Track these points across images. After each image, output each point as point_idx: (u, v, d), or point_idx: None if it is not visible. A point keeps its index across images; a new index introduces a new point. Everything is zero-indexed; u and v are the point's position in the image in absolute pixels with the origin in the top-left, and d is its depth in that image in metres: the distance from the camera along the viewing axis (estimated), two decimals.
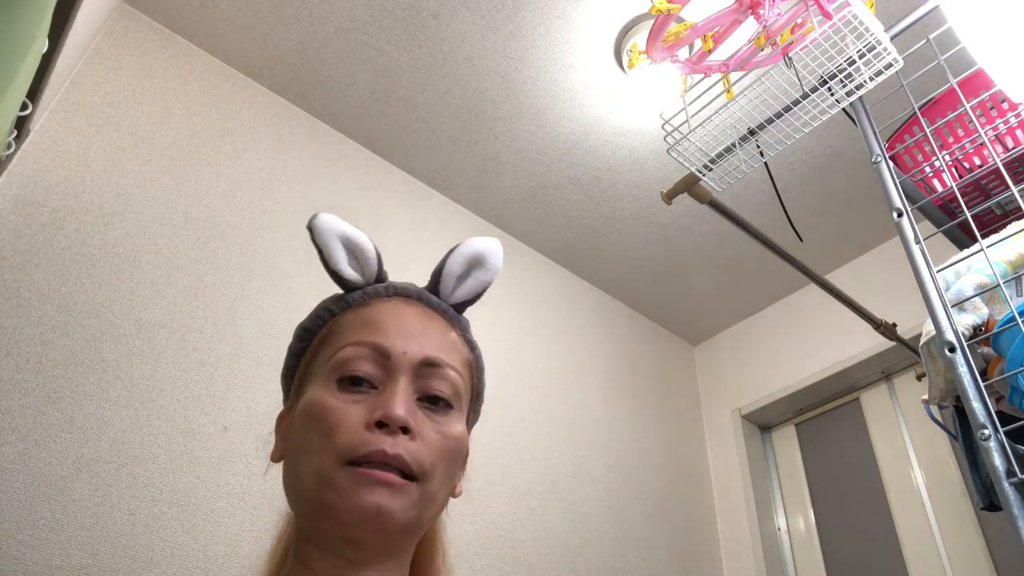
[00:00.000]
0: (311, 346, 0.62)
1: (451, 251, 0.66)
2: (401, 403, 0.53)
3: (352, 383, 0.55)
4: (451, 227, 2.21)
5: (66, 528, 1.17)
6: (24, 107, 1.01)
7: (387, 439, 0.51)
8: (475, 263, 0.66)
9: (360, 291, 0.63)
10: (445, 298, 0.65)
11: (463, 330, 0.65)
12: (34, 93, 1.04)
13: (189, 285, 1.53)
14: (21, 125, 1.14)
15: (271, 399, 1.52)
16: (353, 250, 0.63)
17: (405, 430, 0.52)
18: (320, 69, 1.90)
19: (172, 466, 1.32)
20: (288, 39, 1.83)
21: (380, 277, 0.64)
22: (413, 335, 0.58)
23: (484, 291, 0.67)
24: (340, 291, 0.64)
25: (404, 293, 0.64)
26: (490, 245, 0.67)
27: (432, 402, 0.57)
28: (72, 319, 1.34)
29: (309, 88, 1.95)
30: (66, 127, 1.51)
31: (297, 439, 0.55)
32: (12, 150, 1.16)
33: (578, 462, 2.07)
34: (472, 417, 0.67)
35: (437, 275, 0.66)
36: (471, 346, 0.66)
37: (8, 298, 1.29)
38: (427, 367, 0.57)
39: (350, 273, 0.63)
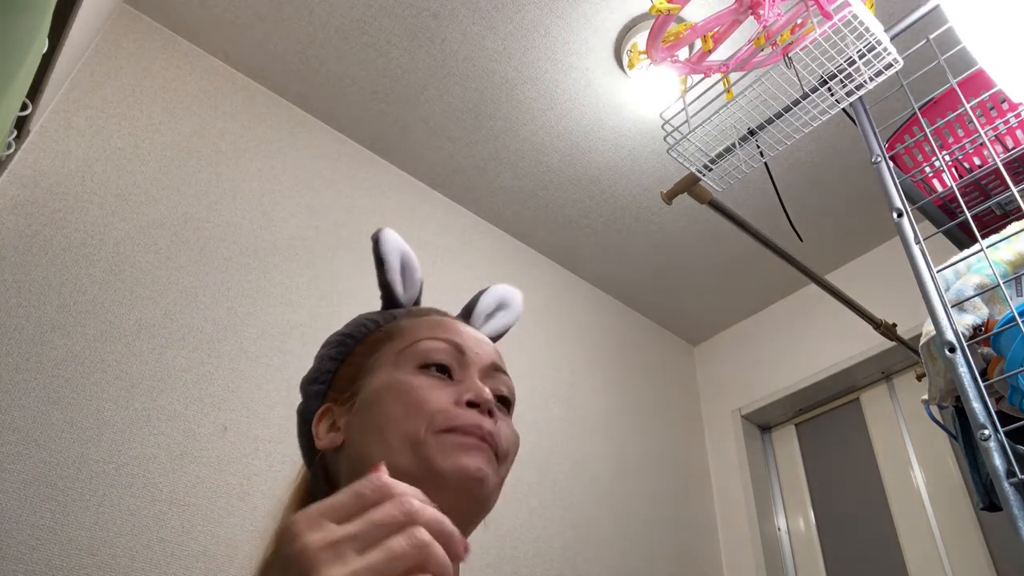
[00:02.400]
0: (359, 347, 0.64)
1: (483, 291, 0.73)
2: (487, 389, 0.57)
3: (433, 371, 0.58)
4: (451, 227, 2.21)
5: (66, 528, 1.17)
6: (24, 107, 1.01)
7: (481, 416, 0.55)
8: (502, 305, 0.74)
9: (406, 308, 0.68)
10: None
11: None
12: (34, 93, 1.04)
13: (189, 285, 1.53)
14: (21, 125, 1.14)
15: (271, 399, 1.52)
16: (407, 270, 0.69)
17: (491, 414, 0.56)
18: (320, 69, 1.90)
19: (172, 466, 1.32)
20: (288, 39, 1.83)
21: (418, 302, 0.70)
22: (478, 341, 0.63)
23: (505, 333, 0.74)
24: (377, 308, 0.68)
25: (449, 315, 0.68)
26: (516, 293, 0.75)
27: (500, 402, 0.61)
28: (72, 319, 1.34)
29: (309, 88, 1.95)
30: (66, 127, 1.51)
31: (374, 415, 0.56)
32: (12, 150, 1.16)
33: (578, 462, 2.07)
34: None
35: (469, 310, 0.72)
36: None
37: (8, 298, 1.29)
38: (494, 370, 0.61)
39: (399, 290, 0.68)
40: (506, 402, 0.61)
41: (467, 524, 0.54)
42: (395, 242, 0.67)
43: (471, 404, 0.55)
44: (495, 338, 0.72)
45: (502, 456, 0.55)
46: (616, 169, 2.14)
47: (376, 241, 0.67)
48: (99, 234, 1.46)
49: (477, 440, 0.53)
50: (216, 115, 1.80)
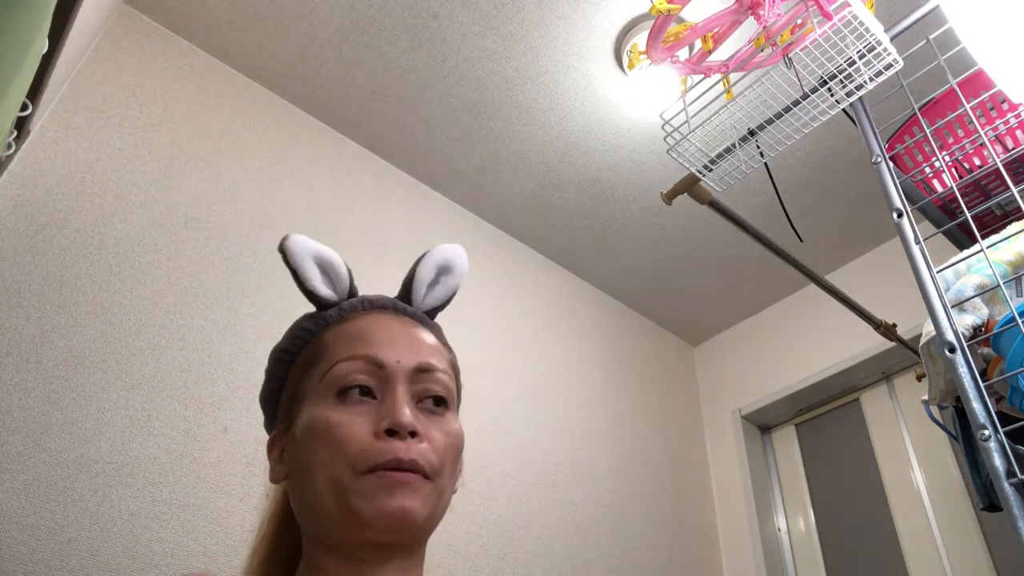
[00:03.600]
0: (294, 368, 0.63)
1: (419, 260, 0.69)
2: (406, 409, 0.55)
3: (351, 395, 0.56)
4: (451, 227, 2.21)
5: (66, 529, 1.17)
6: (24, 107, 1.01)
7: (399, 445, 0.53)
8: (443, 269, 0.69)
9: (336, 307, 0.64)
10: (417, 305, 0.67)
11: (440, 334, 0.68)
12: (34, 93, 1.04)
13: (189, 285, 1.53)
14: (21, 125, 1.14)
15: None
16: (326, 268, 0.65)
17: (413, 434, 0.55)
18: (320, 69, 1.90)
19: (172, 466, 1.32)
20: (288, 39, 1.83)
21: (352, 293, 0.66)
22: (401, 344, 0.60)
23: (453, 296, 0.70)
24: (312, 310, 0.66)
25: (380, 305, 0.65)
26: (456, 250, 0.70)
27: (431, 404, 0.59)
28: (72, 319, 1.34)
29: (309, 88, 1.95)
30: (66, 127, 1.51)
31: (304, 457, 0.56)
32: (12, 150, 1.16)
33: (578, 463, 2.07)
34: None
35: (408, 284, 0.68)
36: (448, 348, 0.68)
37: (8, 298, 1.28)
38: (421, 372, 0.59)
39: (325, 291, 0.64)
40: (440, 400, 0.59)
41: (406, 546, 0.55)
42: (304, 246, 0.64)
43: (390, 432, 0.54)
44: (443, 304, 0.69)
45: (435, 471, 0.55)
46: (616, 169, 2.14)
47: (283, 252, 0.64)
48: (99, 234, 1.46)
49: (398, 475, 0.52)
50: (216, 115, 1.80)
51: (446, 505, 0.58)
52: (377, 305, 0.65)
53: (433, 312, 0.69)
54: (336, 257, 0.66)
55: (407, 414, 0.54)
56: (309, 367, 0.61)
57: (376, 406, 0.56)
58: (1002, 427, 0.79)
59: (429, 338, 0.64)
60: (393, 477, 0.52)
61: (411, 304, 0.67)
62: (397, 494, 0.52)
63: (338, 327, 0.62)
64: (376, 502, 0.51)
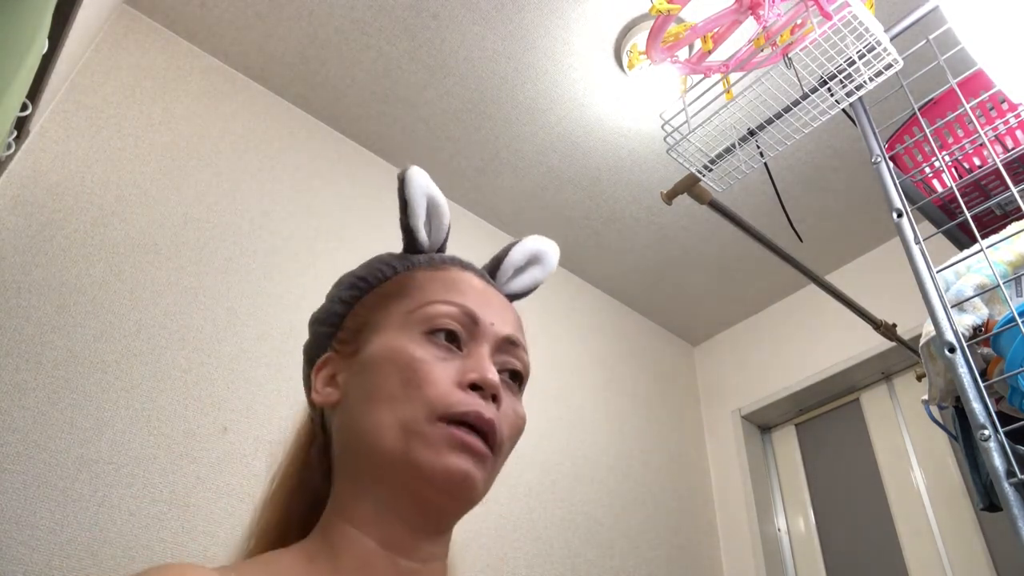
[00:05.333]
0: (369, 296, 0.59)
1: (513, 243, 0.67)
2: (494, 370, 0.52)
3: (441, 338, 0.53)
4: (451, 227, 2.21)
5: (66, 529, 1.17)
6: (24, 107, 1.01)
7: (482, 402, 0.50)
8: (535, 259, 0.67)
9: (426, 255, 0.62)
10: (499, 286, 0.65)
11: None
12: (34, 94, 1.04)
13: (189, 285, 1.53)
14: (21, 125, 1.14)
15: (271, 400, 1.52)
16: (433, 212, 0.63)
17: (495, 398, 0.52)
18: (320, 70, 1.90)
19: (172, 467, 1.32)
20: (288, 40, 1.83)
21: (443, 248, 0.64)
22: (496, 309, 0.57)
23: (534, 289, 0.68)
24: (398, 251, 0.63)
25: (471, 268, 0.62)
26: (552, 245, 0.68)
27: (507, 377, 0.56)
28: (72, 319, 1.34)
29: (309, 88, 1.95)
30: (66, 127, 1.51)
31: (371, 384, 0.52)
32: (12, 150, 1.16)
33: (578, 463, 2.07)
34: None
35: (498, 262, 0.66)
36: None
37: (8, 298, 1.29)
38: (509, 344, 0.56)
39: (423, 235, 0.62)
40: (518, 377, 0.57)
41: (449, 517, 0.52)
42: (422, 184, 0.61)
43: (474, 387, 0.50)
44: (524, 293, 0.67)
45: (498, 445, 0.51)
46: (616, 169, 2.14)
47: (402, 181, 0.61)
48: (99, 234, 1.46)
49: (472, 438, 0.49)
50: (216, 115, 1.80)
51: (486, 492, 0.54)
52: (468, 267, 0.62)
53: (511, 299, 0.66)
54: (445, 206, 0.63)
55: (495, 373, 0.51)
56: (392, 299, 0.57)
57: (462, 358, 0.53)
58: (1002, 427, 0.79)
59: (517, 315, 0.61)
60: (468, 439, 0.49)
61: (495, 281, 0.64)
62: (466, 457, 0.48)
63: (429, 271, 0.59)
64: (443, 457, 0.48)
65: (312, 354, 0.61)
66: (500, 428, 0.51)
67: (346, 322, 0.59)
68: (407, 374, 0.51)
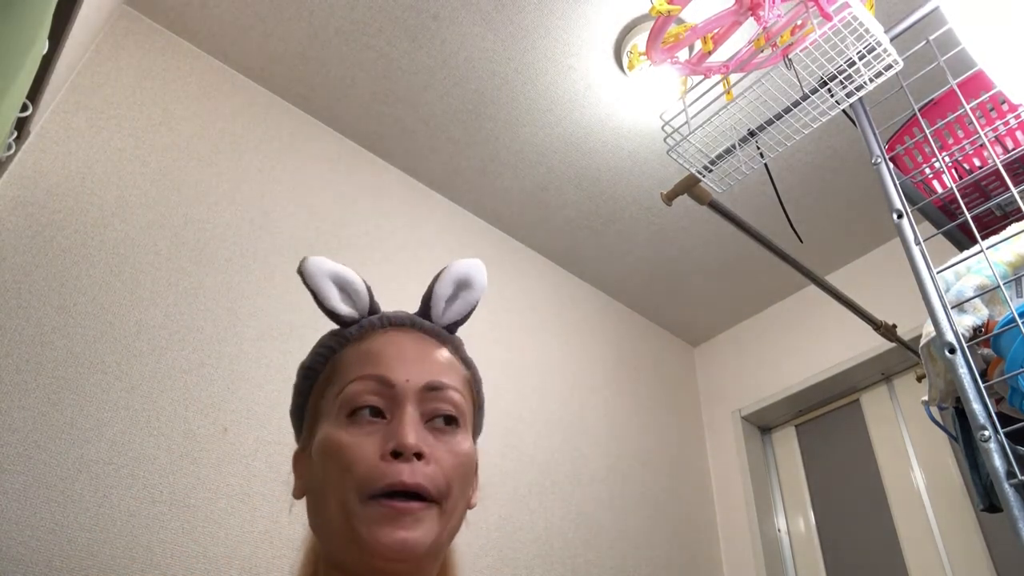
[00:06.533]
0: (316, 384, 0.64)
1: (438, 276, 0.70)
2: (411, 431, 0.55)
3: (362, 416, 0.57)
4: (451, 228, 2.21)
5: (66, 529, 1.17)
6: (24, 108, 1.01)
7: (404, 468, 0.54)
8: (462, 285, 0.70)
9: (356, 325, 0.65)
10: (437, 320, 0.68)
11: (457, 349, 0.68)
12: (34, 94, 1.04)
13: (189, 286, 1.53)
14: (21, 126, 1.14)
15: (271, 400, 1.52)
16: (345, 287, 0.66)
17: (419, 456, 0.55)
18: (320, 70, 1.90)
19: (172, 467, 1.32)
20: (288, 40, 1.83)
21: (373, 309, 0.67)
22: (413, 362, 0.61)
23: (472, 311, 0.70)
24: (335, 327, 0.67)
25: (398, 323, 0.66)
26: (475, 265, 0.71)
27: (441, 423, 0.59)
28: (72, 320, 1.34)
29: (309, 89, 1.95)
30: (66, 128, 1.51)
31: (318, 476, 0.57)
32: (12, 151, 1.16)
33: (578, 463, 2.07)
34: (476, 430, 0.69)
35: (427, 300, 0.69)
36: (467, 364, 0.68)
37: (8, 299, 1.29)
38: (430, 391, 0.59)
39: (345, 310, 0.65)
40: (450, 419, 0.60)
41: (422, 570, 0.56)
42: (321, 267, 0.65)
43: (396, 453, 0.54)
44: (463, 319, 0.70)
45: (441, 494, 0.55)
46: (616, 170, 2.14)
47: (302, 274, 0.65)
48: (99, 235, 1.46)
49: (403, 503, 0.53)
50: (216, 116, 1.80)
51: (457, 525, 0.58)
52: (395, 322, 0.66)
53: (453, 327, 0.69)
54: (353, 275, 0.67)
55: (412, 436, 0.55)
56: (327, 385, 0.62)
57: (385, 426, 0.57)
58: (1002, 428, 0.79)
59: (443, 355, 0.64)
60: (396, 507, 0.52)
61: (430, 320, 0.67)
62: (399, 524, 0.52)
63: (356, 345, 0.63)
64: (377, 533, 0.52)
65: (298, 443, 0.67)
66: (433, 480, 0.55)
67: (306, 414, 0.65)
68: (337, 461, 0.55)
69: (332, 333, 0.66)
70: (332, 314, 0.65)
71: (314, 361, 0.65)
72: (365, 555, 0.52)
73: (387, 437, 0.55)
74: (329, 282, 0.65)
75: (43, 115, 1.46)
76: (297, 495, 0.62)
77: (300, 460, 0.63)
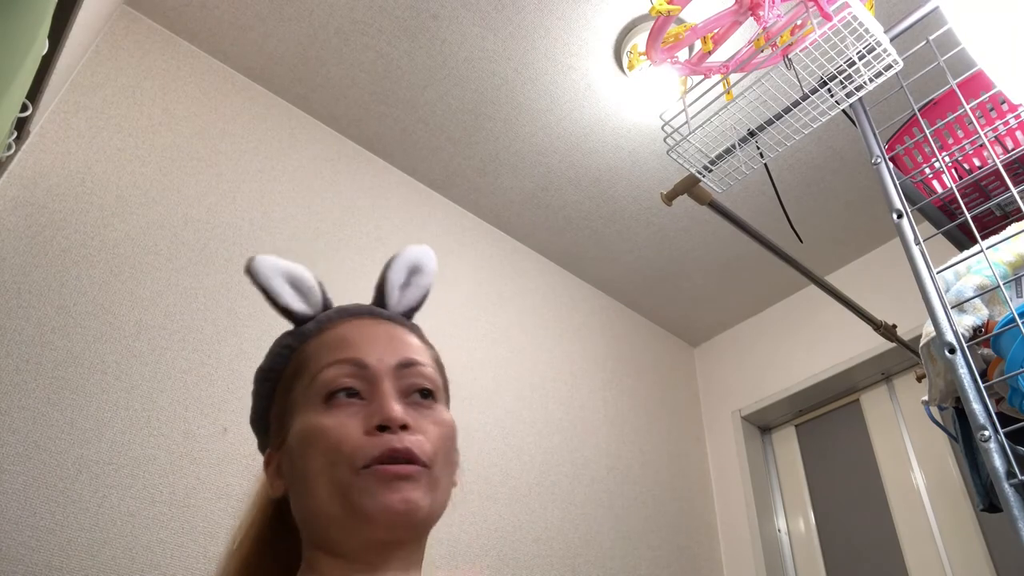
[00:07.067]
0: (280, 385, 0.63)
1: (388, 263, 0.70)
2: (394, 404, 0.56)
3: (339, 399, 0.57)
4: (451, 228, 2.21)
5: (66, 529, 1.17)
6: (24, 108, 1.01)
7: (392, 437, 0.54)
8: (414, 270, 0.70)
9: (313, 320, 0.65)
10: (392, 308, 0.68)
11: (420, 334, 0.68)
12: (34, 94, 1.04)
13: (189, 286, 1.53)
14: (21, 126, 1.14)
15: None
16: (296, 284, 0.65)
17: (405, 427, 0.55)
18: (320, 70, 1.90)
19: (172, 467, 1.32)
20: (288, 40, 1.83)
21: (326, 304, 0.67)
22: (382, 343, 0.61)
23: (426, 296, 0.71)
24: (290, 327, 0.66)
25: (356, 313, 0.66)
26: (423, 250, 0.71)
27: (418, 397, 0.60)
28: (72, 320, 1.34)
29: (309, 89, 1.95)
30: (66, 128, 1.51)
31: (301, 467, 0.56)
32: (12, 151, 1.16)
33: (578, 463, 2.07)
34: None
35: (381, 288, 0.69)
36: (430, 346, 0.68)
37: (8, 299, 1.29)
38: (404, 368, 0.60)
39: (299, 306, 0.65)
40: (427, 392, 0.60)
41: (408, 543, 0.55)
42: (269, 266, 0.64)
43: (382, 428, 0.54)
44: (418, 305, 0.70)
45: (430, 459, 0.55)
46: (616, 170, 2.14)
47: (250, 274, 0.63)
48: (99, 235, 1.46)
49: (397, 465, 0.53)
50: (216, 116, 1.80)
51: (445, 498, 0.58)
52: (353, 313, 0.66)
53: (409, 313, 0.69)
54: (305, 271, 0.66)
55: (396, 408, 0.55)
56: (294, 381, 0.61)
57: (365, 406, 0.57)
58: (1002, 428, 0.79)
59: (409, 336, 0.64)
60: (392, 470, 0.53)
61: (386, 308, 0.67)
62: (398, 487, 0.52)
63: (318, 338, 0.63)
64: (379, 496, 0.52)
65: (261, 451, 0.66)
66: (421, 447, 0.55)
67: (271, 415, 0.64)
68: (322, 445, 0.55)
69: (288, 333, 0.66)
70: (286, 312, 0.65)
71: (274, 362, 0.64)
72: (366, 526, 0.52)
73: (370, 415, 0.56)
74: (281, 280, 0.64)
75: (43, 115, 1.46)
76: (277, 493, 0.61)
77: (273, 459, 0.62)
